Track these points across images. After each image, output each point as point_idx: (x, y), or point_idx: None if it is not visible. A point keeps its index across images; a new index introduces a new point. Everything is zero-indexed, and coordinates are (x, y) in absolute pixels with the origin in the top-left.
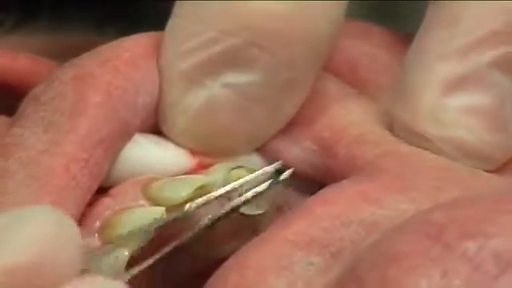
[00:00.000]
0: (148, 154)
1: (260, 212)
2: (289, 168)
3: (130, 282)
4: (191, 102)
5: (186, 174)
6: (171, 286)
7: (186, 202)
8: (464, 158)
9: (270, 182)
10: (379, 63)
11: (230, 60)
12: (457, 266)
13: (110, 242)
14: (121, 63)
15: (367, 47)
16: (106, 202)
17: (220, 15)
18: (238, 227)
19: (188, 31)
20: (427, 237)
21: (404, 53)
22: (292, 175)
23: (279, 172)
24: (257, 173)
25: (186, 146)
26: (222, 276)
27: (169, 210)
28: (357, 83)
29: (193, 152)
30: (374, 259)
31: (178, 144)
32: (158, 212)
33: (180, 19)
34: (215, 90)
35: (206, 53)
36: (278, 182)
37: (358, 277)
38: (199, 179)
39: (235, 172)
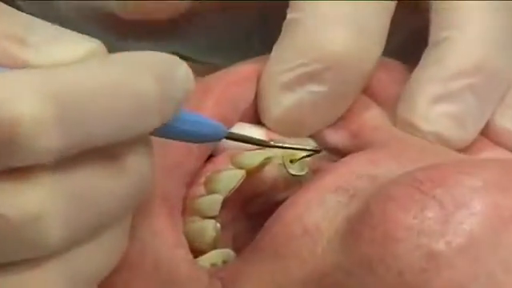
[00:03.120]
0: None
1: (303, 173)
2: (323, 149)
3: (221, 215)
4: (284, 102)
5: (259, 149)
6: (247, 217)
7: (258, 167)
8: (442, 145)
9: (309, 153)
10: (386, 84)
11: (314, 77)
12: (429, 205)
13: (209, 191)
14: (231, 82)
15: (382, 72)
16: (208, 166)
17: (309, 48)
18: (288, 183)
19: (288, 58)
20: (411, 186)
21: (404, 77)
22: (330, 151)
23: (316, 151)
24: (300, 147)
25: (274, 128)
26: (284, 209)
27: (247, 172)
28: (369, 95)
29: (268, 134)
30: (379, 199)
31: (270, 127)
32: (241, 173)
33: (281, 49)
34: (302, 94)
35: (299, 72)
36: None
37: (369, 210)
38: (266, 153)
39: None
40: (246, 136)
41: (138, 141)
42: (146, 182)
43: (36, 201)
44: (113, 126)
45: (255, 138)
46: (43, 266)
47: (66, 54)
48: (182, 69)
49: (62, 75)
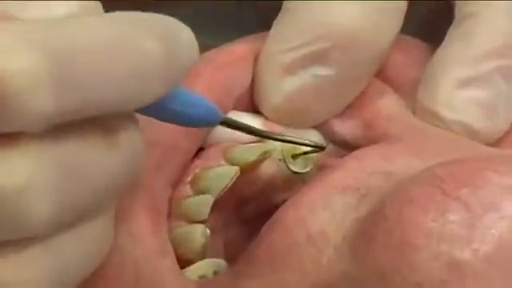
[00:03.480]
0: None
1: (307, 170)
2: (330, 143)
3: (211, 219)
4: (286, 87)
5: (255, 142)
6: (241, 222)
7: (254, 163)
8: (467, 136)
9: (312, 149)
10: (403, 67)
11: (319, 58)
12: (452, 207)
13: (198, 191)
14: (223, 64)
15: (398, 53)
16: (196, 162)
17: (314, 25)
18: (289, 181)
19: (291, 36)
20: (431, 186)
21: (425, 58)
22: (338, 144)
23: (320, 147)
24: (303, 141)
25: (273, 118)
26: (283, 211)
27: (242, 168)
28: (383, 79)
29: (266, 124)
30: (395, 200)
31: (268, 117)
32: (234, 170)
33: (282, 26)
34: (306, 78)
35: (303, 51)
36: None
37: (383, 212)
38: (264, 146)
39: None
40: (244, 124)
41: (129, 117)
42: (137, 161)
43: (23, 170)
44: (113, 92)
45: (254, 127)
46: (25, 253)
47: (60, 9)
48: (187, 33)
49: (58, 28)
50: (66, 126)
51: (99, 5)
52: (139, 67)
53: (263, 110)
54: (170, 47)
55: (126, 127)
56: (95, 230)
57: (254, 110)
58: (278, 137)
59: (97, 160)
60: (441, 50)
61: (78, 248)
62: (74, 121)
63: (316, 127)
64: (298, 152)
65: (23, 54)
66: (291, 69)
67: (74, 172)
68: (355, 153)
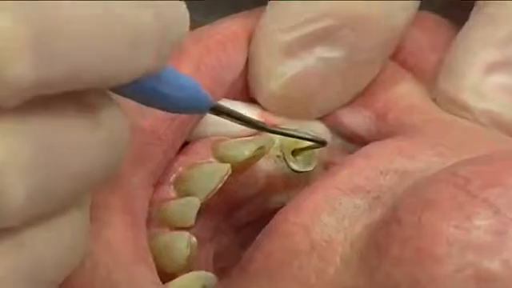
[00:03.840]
0: None
1: (310, 169)
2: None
3: (199, 226)
4: (285, 71)
5: (249, 135)
6: (233, 229)
7: (248, 160)
8: (496, 128)
9: (312, 144)
10: (423, 48)
11: (325, 37)
12: (479, 211)
13: (182, 192)
14: (213, 44)
15: (417, 32)
16: (180, 158)
17: None
18: (290, 182)
19: (292, 11)
20: (454, 186)
21: (447, 39)
22: (347, 138)
23: (321, 142)
24: (302, 134)
25: (270, 108)
26: (282, 216)
27: (233, 166)
28: (400, 63)
29: (263, 115)
30: (412, 204)
31: (266, 107)
32: (225, 168)
33: (283, 1)
34: (309, 61)
35: (306, 29)
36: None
37: (398, 218)
38: (260, 140)
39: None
40: (238, 112)
41: (109, 95)
42: (120, 145)
43: (1, 145)
44: (101, 61)
45: (249, 117)
46: None
47: None
48: (182, 9)
49: None
50: (45, 100)
51: None
52: (131, 35)
53: (259, 99)
54: (164, 19)
55: (108, 105)
56: (71, 224)
57: (249, 98)
58: (275, 129)
59: (77, 140)
60: (465, 32)
61: (51, 244)
62: (53, 96)
63: (321, 119)
64: (299, 147)
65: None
66: (292, 50)
67: (52, 152)
68: (366, 148)
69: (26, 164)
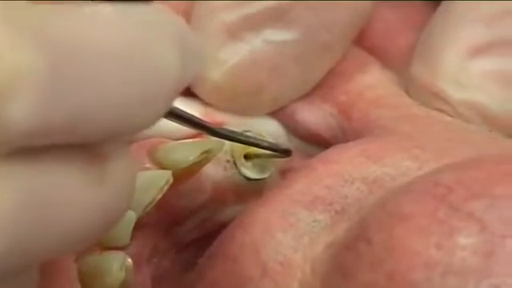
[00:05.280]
0: None
1: (264, 176)
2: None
3: (134, 245)
4: (229, 57)
5: (194, 136)
6: (175, 248)
7: (193, 166)
8: (482, 123)
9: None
10: (394, 31)
11: (274, 16)
12: (463, 226)
13: None
14: None
15: (387, 11)
16: None
17: None
18: (241, 192)
19: None
20: (433, 197)
21: (424, 19)
22: (306, 138)
23: (285, 151)
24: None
25: (213, 102)
26: (228, 235)
27: (175, 173)
28: (367, 49)
29: (204, 112)
30: (382, 219)
31: (207, 100)
32: (165, 175)
33: None
34: (257, 45)
35: (252, 7)
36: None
37: (366, 236)
38: (206, 143)
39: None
40: (178, 109)
41: (121, 143)
42: (125, 200)
43: None
44: (114, 108)
45: (192, 116)
46: None
47: None
48: (197, 41)
49: (58, 16)
50: (46, 149)
51: None
52: (155, 82)
53: (200, 92)
54: (185, 59)
55: (119, 155)
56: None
57: (188, 92)
58: (227, 133)
59: (75, 196)
60: (445, 7)
61: None
62: (58, 140)
63: (273, 115)
64: (253, 152)
65: (8, 43)
66: (236, 32)
67: (41, 207)
68: (327, 152)
69: (6, 220)
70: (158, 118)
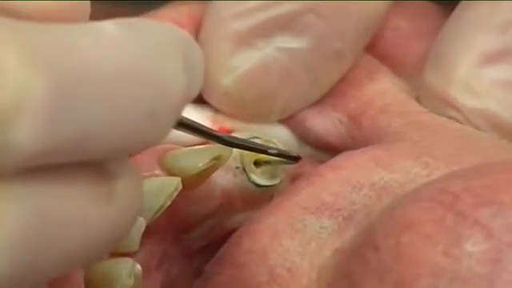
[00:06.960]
0: None
1: (274, 183)
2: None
3: (144, 251)
4: (240, 64)
5: (203, 143)
6: (184, 254)
7: (202, 173)
8: (492, 131)
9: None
10: (406, 39)
11: (286, 24)
12: (470, 234)
13: None
14: None
15: (399, 19)
16: None
17: None
18: (251, 199)
19: None
20: (441, 205)
21: (436, 27)
22: (316, 145)
23: (294, 158)
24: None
25: (223, 108)
26: (235, 241)
27: (185, 179)
28: (378, 57)
29: (215, 120)
30: (389, 226)
31: (217, 107)
32: (174, 182)
33: None
34: (268, 52)
35: (264, 15)
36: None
37: (374, 243)
38: (216, 149)
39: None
40: (187, 119)
41: (128, 162)
42: (131, 218)
43: None
44: (121, 127)
45: (201, 125)
46: None
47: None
48: (199, 53)
49: (64, 37)
50: (52, 168)
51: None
52: (159, 98)
53: (210, 99)
54: (189, 74)
55: (127, 174)
56: None
57: (198, 99)
58: (235, 141)
59: (82, 215)
60: (457, 15)
61: None
62: (65, 160)
63: (284, 122)
64: (263, 158)
65: (12, 66)
66: (248, 39)
67: (48, 228)
68: (336, 158)
69: (14, 236)
70: (165, 134)
